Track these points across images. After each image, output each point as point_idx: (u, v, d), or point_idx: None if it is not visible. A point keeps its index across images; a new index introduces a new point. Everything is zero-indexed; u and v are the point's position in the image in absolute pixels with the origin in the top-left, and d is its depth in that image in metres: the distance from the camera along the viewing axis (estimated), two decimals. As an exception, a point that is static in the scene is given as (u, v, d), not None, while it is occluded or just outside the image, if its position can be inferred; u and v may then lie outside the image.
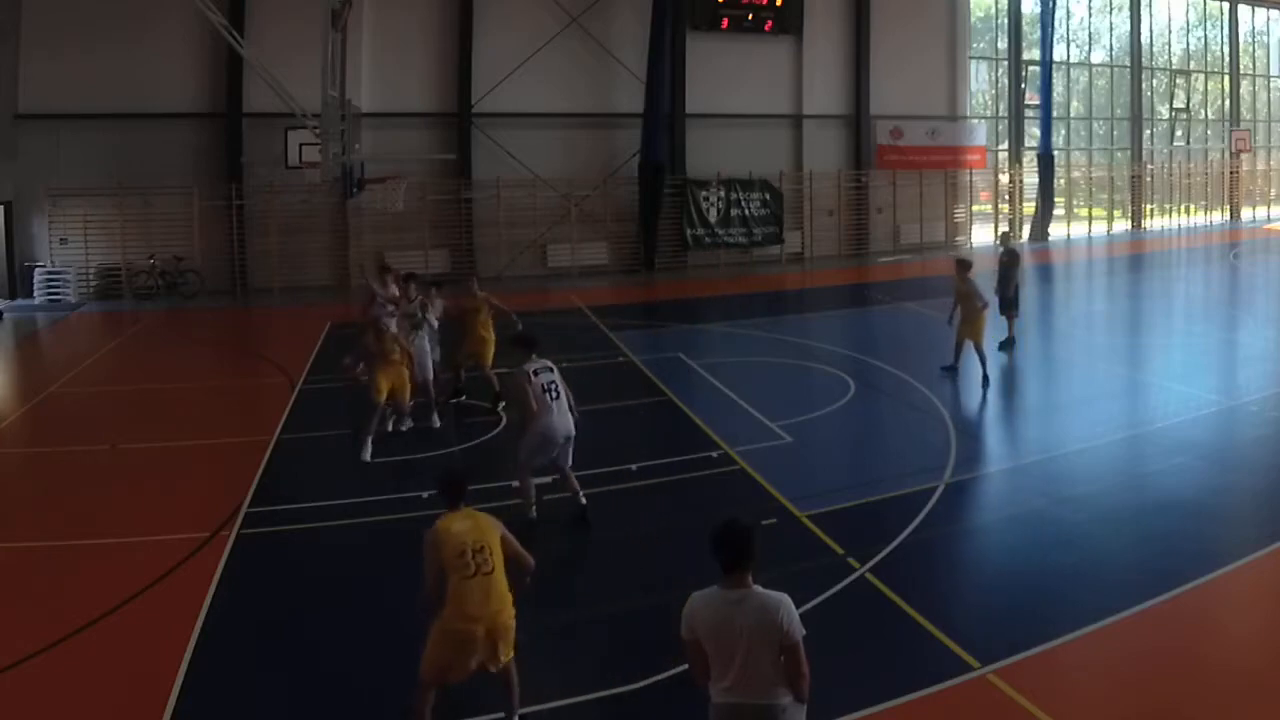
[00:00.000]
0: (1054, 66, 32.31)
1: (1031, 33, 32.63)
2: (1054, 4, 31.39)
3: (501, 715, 5.30)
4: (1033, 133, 32.56)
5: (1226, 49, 38.32)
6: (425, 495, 8.79)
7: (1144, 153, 36.18)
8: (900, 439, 10.96)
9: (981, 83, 33.23)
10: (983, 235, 32.21)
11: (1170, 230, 36.10)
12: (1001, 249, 15.96)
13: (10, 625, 6.57)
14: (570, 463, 8.22)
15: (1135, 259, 28.83)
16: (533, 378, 7.94)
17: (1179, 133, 37.25)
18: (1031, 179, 32.69)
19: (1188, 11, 37.53)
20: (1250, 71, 39.84)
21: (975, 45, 32.44)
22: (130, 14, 21.76)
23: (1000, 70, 33.15)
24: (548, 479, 8.43)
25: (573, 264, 25.70)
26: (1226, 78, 38.60)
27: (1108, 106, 35.94)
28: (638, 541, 8.08)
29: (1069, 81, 35.19)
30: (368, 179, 17.22)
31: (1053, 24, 31.57)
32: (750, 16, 27.35)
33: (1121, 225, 36.01)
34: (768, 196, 27.81)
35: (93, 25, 21.57)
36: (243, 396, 13.98)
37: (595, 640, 6.54)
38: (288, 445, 10.84)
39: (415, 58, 24.45)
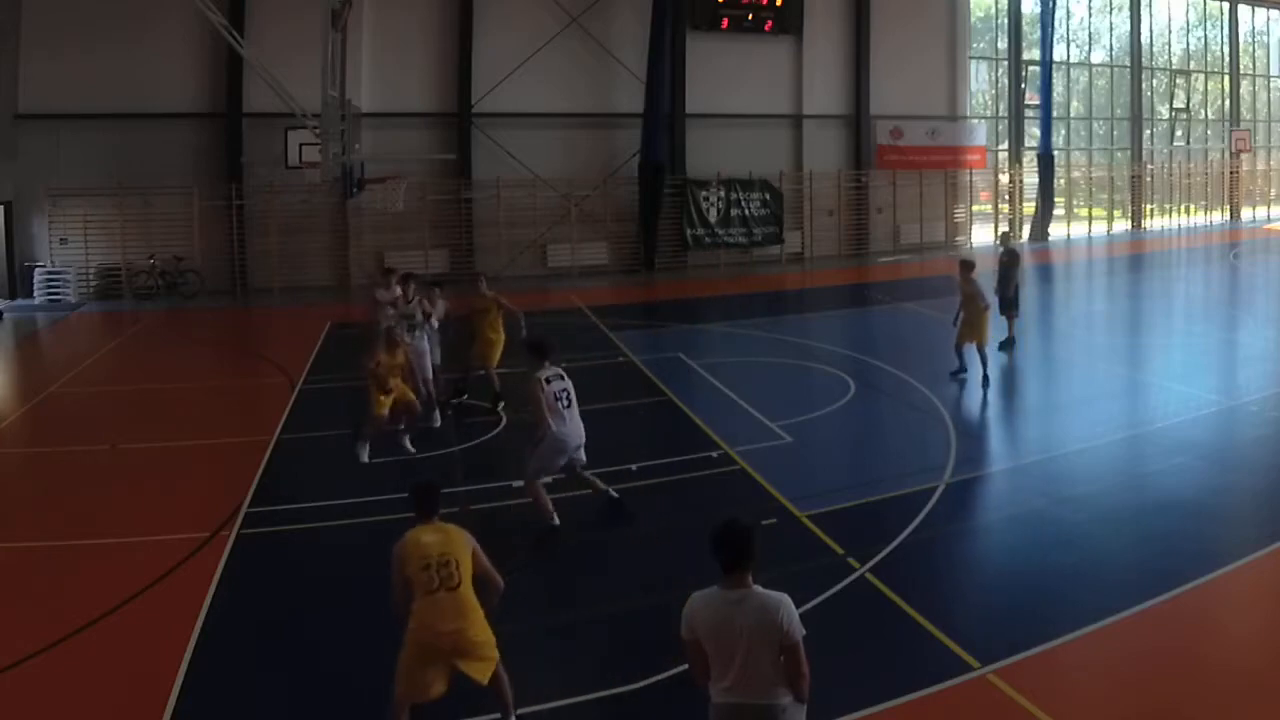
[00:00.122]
0: (1054, 66, 32.31)
1: (1031, 33, 32.62)
2: (1054, 4, 31.39)
3: (497, 716, 5.28)
4: (1033, 133, 32.56)
5: (1226, 49, 38.32)
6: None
7: (1144, 153, 36.18)
8: (900, 439, 10.97)
9: (981, 83, 33.23)
10: (983, 235, 32.20)
11: (1170, 230, 36.10)
12: (1001, 249, 15.95)
13: (10, 625, 6.57)
14: (584, 462, 8.17)
15: (1135, 259, 28.83)
16: (545, 386, 7.81)
17: (1179, 133, 37.25)
18: (1031, 179, 32.68)
19: (1188, 11, 37.53)
20: (1250, 71, 39.84)
21: (975, 45, 32.44)
22: (130, 14, 21.76)
23: (1000, 70, 33.15)
24: (548, 479, 8.41)
25: (573, 264, 25.70)
26: (1226, 78, 38.60)
27: (1108, 106, 35.94)
28: (638, 541, 8.08)
29: (1069, 81, 35.19)
30: (368, 179, 17.22)
31: (1053, 24, 31.57)
32: (750, 16, 27.34)
33: (1121, 225, 36.01)
34: (768, 196, 27.81)
35: (93, 25, 21.57)
36: (243, 396, 13.98)
37: (595, 640, 6.54)
38: (288, 445, 10.85)
39: (415, 58, 24.45)
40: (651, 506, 8.82)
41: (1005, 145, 33.17)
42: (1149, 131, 36.55)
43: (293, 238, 23.53)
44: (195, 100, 22.82)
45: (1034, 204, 32.71)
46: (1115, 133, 36.10)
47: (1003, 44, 32.94)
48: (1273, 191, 41.00)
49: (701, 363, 14.62)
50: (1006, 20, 32.90)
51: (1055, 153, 32.55)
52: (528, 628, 6.65)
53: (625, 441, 10.76)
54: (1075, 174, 35.27)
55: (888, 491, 8.90)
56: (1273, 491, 8.78)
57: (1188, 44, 37.88)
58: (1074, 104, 35.62)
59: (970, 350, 12.80)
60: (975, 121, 31.96)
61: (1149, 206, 36.44)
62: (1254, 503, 8.58)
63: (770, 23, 27.57)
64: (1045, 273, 25.91)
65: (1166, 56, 37.18)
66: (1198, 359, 15.02)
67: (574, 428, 7.92)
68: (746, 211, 27.49)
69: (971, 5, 31.82)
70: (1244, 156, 38.16)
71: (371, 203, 19.39)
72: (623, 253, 26.47)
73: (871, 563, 7.29)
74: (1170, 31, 37.11)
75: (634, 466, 9.64)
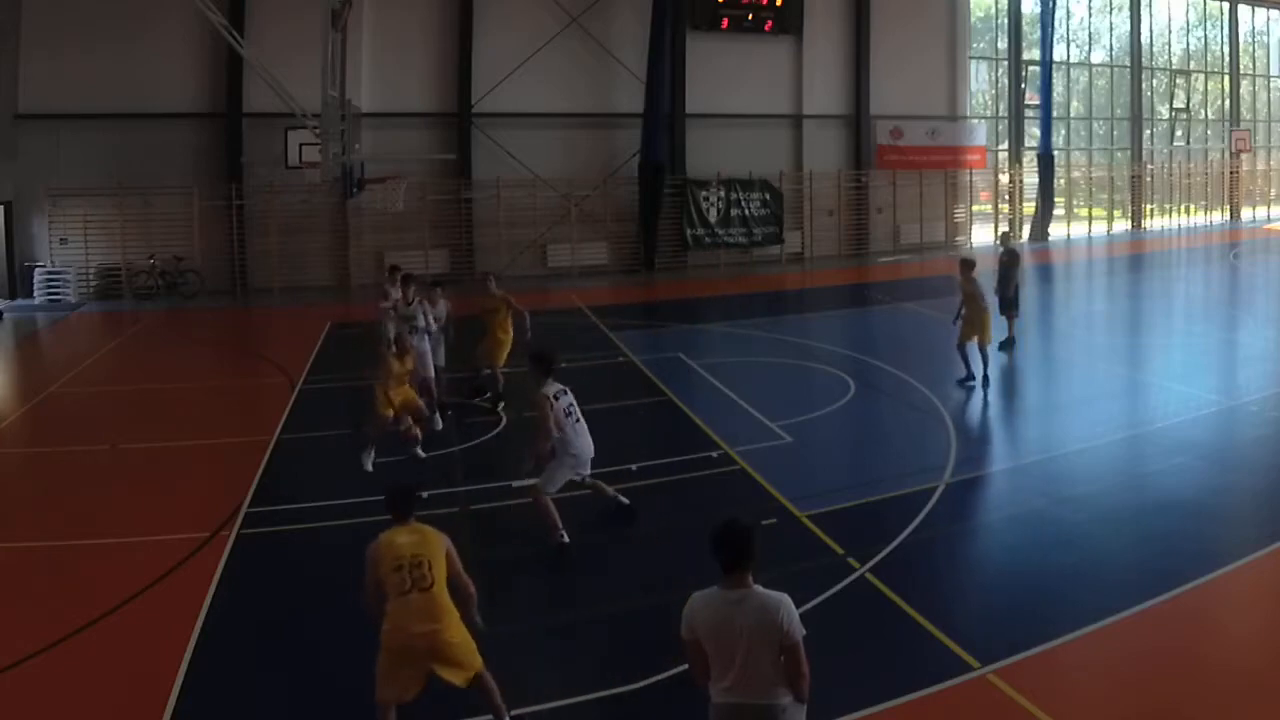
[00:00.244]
0: (1054, 66, 32.30)
1: (1031, 33, 32.62)
2: (1054, 4, 31.38)
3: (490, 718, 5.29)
4: (1033, 133, 32.55)
5: (1226, 49, 38.32)
6: (425, 495, 8.79)
7: (1144, 153, 36.17)
8: (900, 439, 10.96)
9: (981, 83, 33.23)
10: (983, 235, 32.20)
11: (1170, 230, 36.10)
12: (1001, 249, 15.95)
13: (10, 625, 6.57)
14: (589, 474, 8.09)
15: (1135, 259, 28.83)
16: (554, 402, 7.65)
17: (1179, 133, 37.25)
18: (1031, 179, 32.68)
19: (1188, 11, 37.53)
20: (1250, 71, 39.83)
21: (975, 45, 32.44)
22: (130, 14, 21.76)
23: (1000, 70, 33.15)
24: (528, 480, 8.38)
25: (573, 264, 25.70)
26: (1226, 78, 38.60)
27: (1108, 106, 35.94)
28: (638, 541, 8.09)
29: (1069, 81, 35.19)
30: (368, 179, 17.22)
31: (1053, 24, 31.57)
32: (750, 16, 27.34)
33: (1121, 225, 36.01)
34: (768, 196, 27.80)
35: (93, 25, 21.57)
36: (243, 396, 13.98)
37: (595, 640, 6.54)
38: (288, 445, 10.85)
39: (415, 58, 24.44)
40: (651, 506, 8.81)
41: (1005, 145, 33.17)
42: (1149, 131, 36.55)
43: (293, 238, 23.52)
44: (195, 100, 22.81)
45: (1034, 204, 32.70)
46: (1115, 133, 36.10)
47: (1003, 44, 32.94)
48: (1273, 191, 41.00)
49: (701, 363, 14.62)
50: (1006, 20, 32.90)
51: (1055, 153, 32.55)
52: (528, 628, 6.66)
53: (625, 441, 10.74)
54: (1075, 174, 35.27)
55: (888, 491, 8.90)
56: (1273, 491, 8.78)
57: (1188, 44, 37.89)
58: (1074, 104, 35.62)
59: (972, 349, 12.76)
60: (975, 121, 31.96)
61: (1149, 206, 36.44)
62: (1254, 503, 8.58)
63: (770, 23, 27.57)
64: (1045, 273, 25.91)
65: (1166, 56, 37.18)
66: (1198, 359, 15.02)
67: (586, 443, 7.82)
68: (746, 211, 27.48)
69: (971, 5, 31.82)
70: (1244, 156, 38.16)
71: (371, 203, 19.39)
72: (623, 253, 26.47)
73: (871, 563, 7.29)
74: (1170, 31, 37.11)
75: (634, 466, 9.63)
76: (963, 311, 12.61)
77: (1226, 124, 38.60)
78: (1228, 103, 38.79)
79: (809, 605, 6.40)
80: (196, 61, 22.66)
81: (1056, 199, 33.55)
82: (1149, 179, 36.40)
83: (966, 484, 9.23)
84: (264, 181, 22.69)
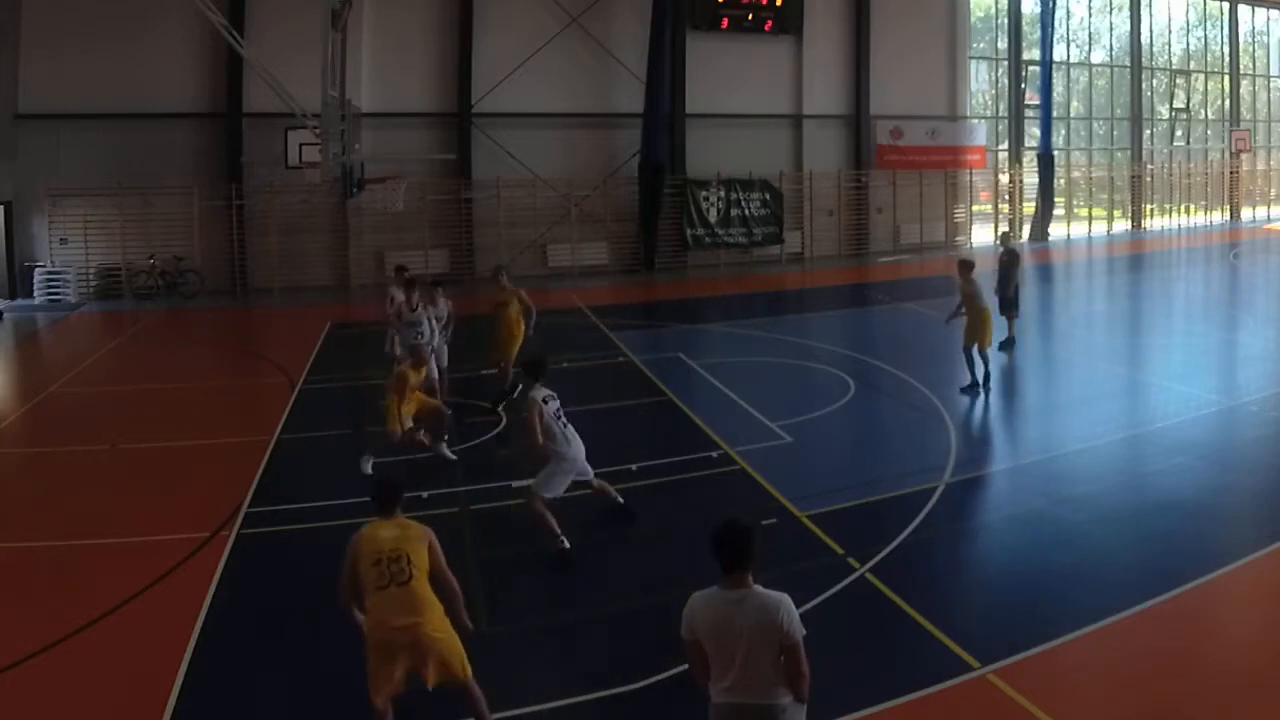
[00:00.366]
0: (1054, 66, 32.30)
1: (1031, 33, 32.62)
2: (1054, 4, 31.38)
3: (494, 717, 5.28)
4: (1033, 133, 32.55)
5: (1226, 49, 38.32)
6: (425, 495, 8.81)
7: (1144, 153, 36.18)
8: (900, 439, 10.96)
9: (981, 83, 33.23)
10: (983, 235, 32.20)
11: (1170, 230, 36.10)
12: (1001, 249, 15.96)
13: (10, 625, 6.57)
14: (591, 474, 8.07)
15: (1135, 259, 28.84)
16: (543, 406, 7.60)
17: (1179, 133, 37.25)
18: (1031, 179, 32.69)
19: (1188, 11, 37.53)
20: (1250, 71, 39.83)
21: (975, 45, 32.44)
22: (130, 14, 21.76)
23: (1000, 70, 33.15)
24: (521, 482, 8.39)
25: (573, 264, 25.70)
26: (1226, 78, 38.60)
27: (1108, 106, 35.94)
28: (638, 541, 8.08)
29: (1069, 81, 35.19)
30: (368, 179, 17.23)
31: (1053, 24, 31.57)
32: (750, 16, 27.34)
33: (1121, 225, 36.01)
34: (768, 196, 27.80)
35: (93, 25, 21.57)
36: (243, 396, 13.98)
37: (595, 640, 6.53)
38: (288, 445, 10.85)
39: (415, 58, 24.44)
40: (651, 506, 8.81)
41: (1005, 145, 33.17)
42: (1149, 131, 36.55)
43: (293, 238, 23.52)
44: (195, 100, 22.82)
45: (1034, 204, 32.71)
46: (1115, 133, 36.10)
47: (1003, 44, 32.95)
48: (1273, 191, 41.00)
49: (701, 363, 14.62)
50: (1006, 20, 32.90)
51: (1055, 153, 32.55)
52: (528, 628, 6.66)
53: (625, 441, 10.77)
54: (1075, 174, 35.27)
55: (888, 491, 8.90)
56: (1273, 491, 8.77)
57: (1188, 44, 37.89)
58: (1074, 104, 35.62)
59: (976, 353, 12.70)
60: (975, 121, 31.96)
61: (1149, 206, 36.44)
62: (1254, 503, 8.58)
63: (770, 23, 27.57)
64: (1045, 273, 25.92)
65: (1166, 56, 37.18)
66: (1198, 359, 15.02)
67: (578, 447, 7.76)
68: (746, 211, 27.48)
69: (971, 5, 31.82)
70: (1244, 156, 38.16)
71: (371, 203, 19.39)
72: (623, 253, 26.47)
73: (871, 563, 7.29)
74: (1170, 31, 37.11)
75: (634, 466, 9.63)
76: (961, 311, 12.58)
77: (1226, 124, 38.60)
78: (1228, 103, 38.79)
79: (809, 605, 6.40)
80: (196, 61, 22.66)
81: (1056, 199, 33.55)
82: (1149, 179, 36.40)
83: (966, 484, 9.23)
84: (264, 181, 22.69)
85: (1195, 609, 6.57)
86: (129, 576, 7.26)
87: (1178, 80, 37.20)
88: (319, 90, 13.58)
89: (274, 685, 5.93)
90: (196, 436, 11.23)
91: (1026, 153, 32.88)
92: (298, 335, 17.58)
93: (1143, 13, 35.61)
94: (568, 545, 7.54)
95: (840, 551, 7.55)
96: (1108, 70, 35.68)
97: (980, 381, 12.40)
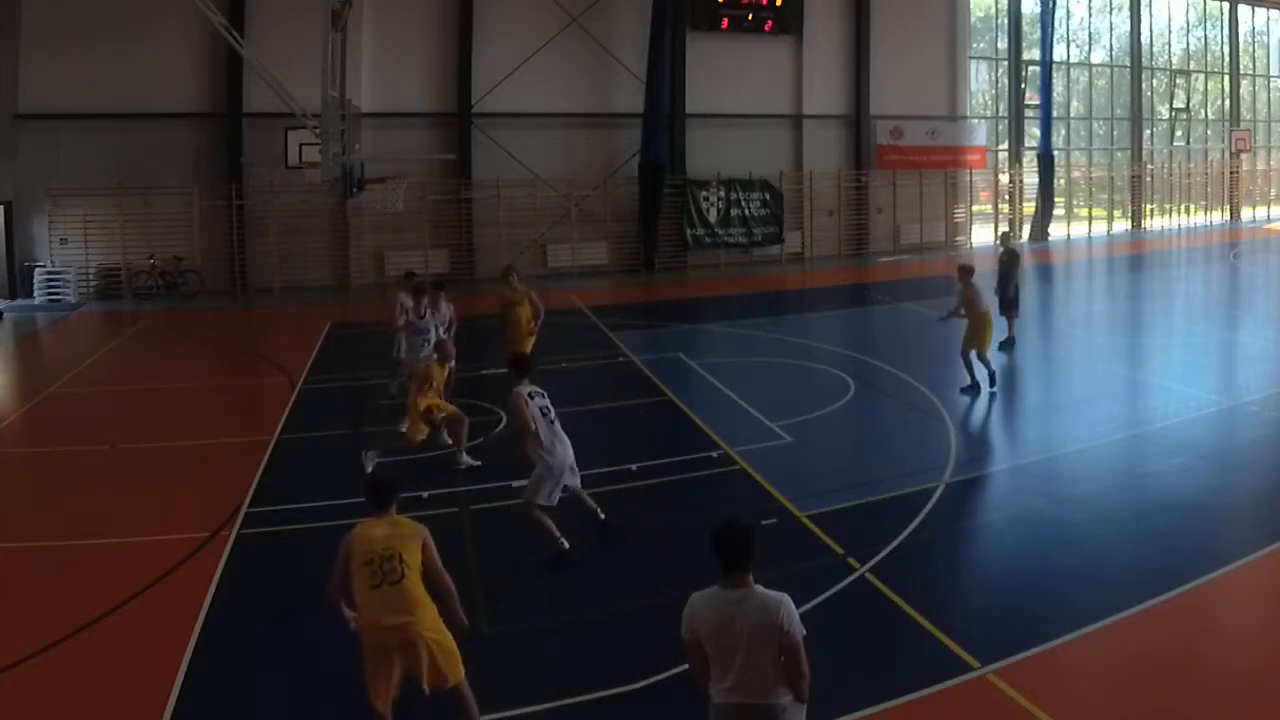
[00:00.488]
0: (1054, 66, 32.31)
1: (1031, 33, 32.63)
2: (1054, 4, 31.39)
3: (495, 717, 5.26)
4: (1033, 133, 32.56)
5: (1226, 49, 38.32)
6: (425, 495, 8.81)
7: (1144, 153, 36.18)
8: (900, 439, 10.96)
9: (981, 83, 33.23)
10: (983, 235, 32.21)
11: (1170, 230, 36.10)
12: (1001, 249, 15.96)
13: (10, 625, 6.57)
14: (579, 482, 7.97)
15: (1135, 259, 28.84)
16: (529, 400, 7.53)
17: (1179, 133, 37.25)
18: (1031, 179, 32.69)
19: (1188, 11, 37.53)
20: (1250, 71, 39.84)
21: (975, 45, 32.44)
22: (130, 14, 21.76)
23: (1000, 70, 33.15)
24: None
25: (573, 264, 25.69)
26: (1226, 78, 38.60)
27: (1108, 106, 35.94)
28: (638, 541, 8.08)
29: (1069, 81, 35.19)
30: (368, 179, 17.23)
31: (1053, 24, 31.57)
32: (750, 16, 27.34)
33: (1121, 225, 36.02)
34: (768, 196, 27.80)
35: (93, 25, 21.57)
36: (243, 396, 13.98)
37: (595, 640, 6.53)
38: (288, 445, 10.85)
39: (415, 58, 24.45)
40: (651, 506, 8.83)
41: (1005, 145, 33.17)
42: (1149, 131, 36.56)
43: (293, 238, 23.53)
44: (195, 100, 22.81)
45: (1034, 204, 32.71)
46: (1115, 133, 36.10)
47: (1003, 44, 32.95)
48: (1273, 191, 41.00)
49: (701, 363, 14.62)
50: (1006, 20, 32.90)
51: (1055, 153, 32.55)
52: (528, 627, 6.66)
53: (625, 441, 10.77)
54: (1075, 174, 35.27)
55: (888, 491, 8.90)
56: (1273, 491, 8.77)
57: (1188, 44, 37.89)
58: (1074, 104, 35.62)
59: (974, 357, 12.67)
60: (975, 121, 31.96)
61: (1149, 206, 36.44)
62: (1254, 503, 8.58)
63: (770, 23, 27.57)
64: (1045, 273, 25.92)
65: (1166, 56, 37.19)
66: (1198, 359, 15.02)
67: (564, 447, 7.62)
68: (746, 211, 27.48)
69: (971, 5, 31.82)
70: (1244, 156, 38.16)
71: (371, 203, 19.39)
72: (623, 253, 26.47)
73: (871, 563, 7.29)
74: (1170, 31, 37.11)
75: (634, 466, 9.64)
76: (960, 313, 12.57)
77: (1226, 124, 38.60)
78: (1228, 103, 38.79)
79: (809, 605, 6.40)
80: (196, 61, 22.66)
81: (1056, 199, 33.56)
82: (1149, 179, 36.40)
83: (966, 484, 9.23)
84: (264, 181, 22.69)
85: (1195, 609, 6.57)
86: (129, 576, 7.26)
87: (1178, 80, 37.20)
88: (319, 90, 13.58)
89: (274, 685, 5.93)
90: (196, 436, 11.23)
91: (1026, 153, 32.88)
92: (298, 335, 17.58)
93: (1143, 13, 35.62)
94: (567, 546, 7.52)
95: (840, 551, 7.55)
96: (1108, 70, 35.68)
97: (986, 384, 12.36)
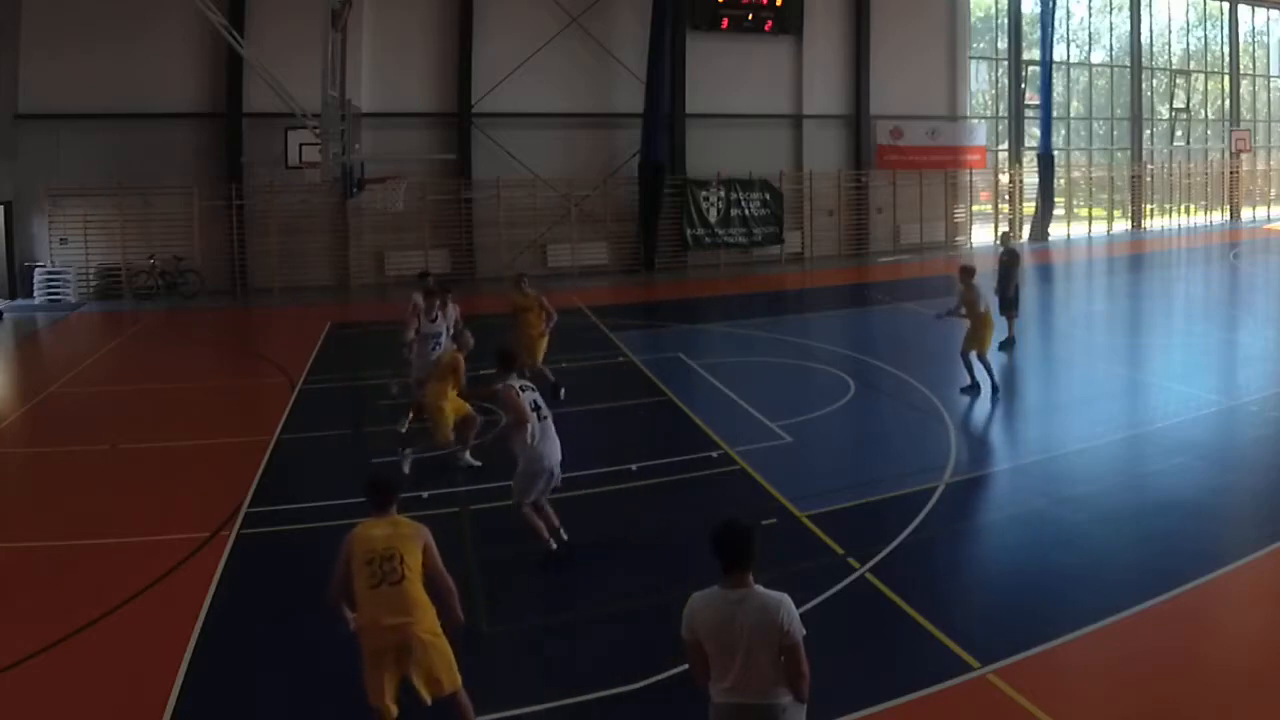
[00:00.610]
0: (1054, 66, 32.31)
1: (1031, 33, 32.63)
2: (1054, 4, 31.39)
3: (494, 717, 5.26)
4: (1033, 133, 32.56)
5: (1226, 49, 38.33)
6: (425, 495, 8.81)
7: (1144, 153, 36.18)
8: (900, 439, 10.95)
9: (981, 83, 33.23)
10: (983, 235, 32.21)
11: (1170, 230, 36.11)
12: (1001, 249, 15.96)
13: (10, 625, 6.57)
14: (560, 484, 7.69)
15: (1135, 259, 28.84)
16: (521, 393, 7.43)
17: (1179, 133, 37.25)
18: (1031, 179, 32.69)
19: (1188, 11, 37.54)
20: (1250, 71, 39.84)
21: (975, 45, 32.44)
22: (130, 14, 21.77)
23: (1000, 70, 33.16)
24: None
25: (573, 264, 25.70)
26: (1226, 78, 38.60)
27: (1108, 106, 35.95)
28: (638, 541, 8.08)
29: (1069, 81, 35.19)
30: (368, 179, 17.23)
31: (1053, 24, 31.57)
32: (750, 16, 27.35)
33: (1121, 225, 36.02)
34: (768, 196, 27.81)
35: (93, 25, 21.58)
36: (243, 396, 13.98)
37: (595, 640, 6.53)
38: (288, 445, 10.84)
39: (415, 58, 24.45)
40: (651, 506, 8.83)
41: (1005, 145, 33.18)
42: (1149, 131, 36.56)
43: (293, 238, 23.53)
44: (195, 100, 22.82)
45: (1034, 204, 32.71)
46: (1115, 133, 36.10)
47: (1003, 44, 32.95)
48: (1273, 191, 41.01)
49: (701, 363, 14.62)
50: (1006, 20, 32.90)
51: (1055, 153, 32.56)
52: (528, 628, 6.66)
53: (625, 441, 10.77)
54: (1075, 174, 35.28)
55: (888, 491, 8.90)
56: (1273, 491, 8.77)
57: (1188, 44, 37.89)
58: (1074, 104, 35.62)
59: (974, 357, 12.64)
60: (975, 121, 31.96)
61: (1149, 206, 36.45)
62: (1254, 503, 8.58)
63: (770, 23, 27.58)
64: (1045, 273, 25.92)
65: (1166, 56, 37.19)
66: (1198, 359, 15.01)
67: (553, 444, 7.45)
68: (746, 211, 27.49)
69: (971, 5, 31.83)
70: (1244, 156, 38.16)
71: (371, 203, 19.40)
72: (623, 253, 26.47)
73: (871, 563, 7.28)
74: (1170, 31, 37.11)
75: (634, 466, 9.64)
76: (961, 312, 12.55)
77: (1226, 124, 38.60)
78: (1228, 103, 38.80)
79: (809, 605, 6.40)
80: (196, 61, 22.66)
81: (1056, 199, 33.56)
82: (1149, 179, 36.41)
83: (966, 484, 9.23)
84: (264, 181, 22.69)
85: (1195, 609, 6.57)
86: (129, 576, 7.26)
87: (1178, 80, 37.20)
88: (319, 90, 13.58)
89: (274, 685, 5.93)
90: (196, 436, 11.22)
91: (1026, 153, 32.89)
92: (298, 335, 17.57)
93: (1143, 13, 35.62)
94: (555, 546, 7.45)
95: (840, 551, 7.55)
96: (1108, 70, 35.68)
97: (978, 383, 12.34)
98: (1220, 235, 34.16)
